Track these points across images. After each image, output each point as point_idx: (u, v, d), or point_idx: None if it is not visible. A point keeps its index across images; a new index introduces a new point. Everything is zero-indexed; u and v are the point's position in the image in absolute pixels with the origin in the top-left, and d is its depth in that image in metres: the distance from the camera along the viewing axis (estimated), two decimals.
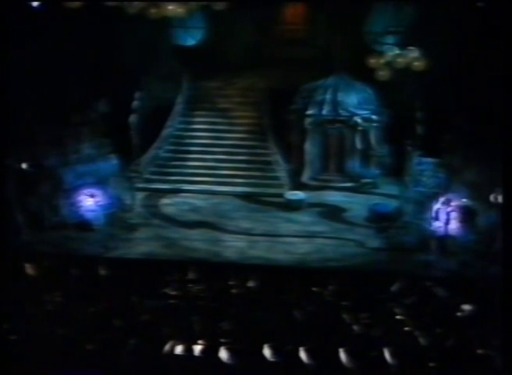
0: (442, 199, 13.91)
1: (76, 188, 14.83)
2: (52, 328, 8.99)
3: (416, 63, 14.18)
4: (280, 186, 16.86)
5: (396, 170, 16.12)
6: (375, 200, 16.12)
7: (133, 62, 16.99)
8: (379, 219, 15.02)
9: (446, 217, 13.66)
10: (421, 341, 8.93)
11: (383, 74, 14.54)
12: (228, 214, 15.77)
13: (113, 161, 15.62)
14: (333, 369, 8.12)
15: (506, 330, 8.04)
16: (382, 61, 14.52)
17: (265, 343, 8.35)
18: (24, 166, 13.79)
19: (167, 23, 16.13)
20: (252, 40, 18.79)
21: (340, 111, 17.17)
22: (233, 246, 14.10)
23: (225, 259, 13.50)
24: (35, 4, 13.43)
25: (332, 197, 16.62)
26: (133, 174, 16.49)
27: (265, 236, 14.59)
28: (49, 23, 14.04)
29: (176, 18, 14.67)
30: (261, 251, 13.88)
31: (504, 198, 9.76)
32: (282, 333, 9.06)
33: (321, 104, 17.29)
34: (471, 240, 13.44)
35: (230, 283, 10.99)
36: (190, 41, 18.37)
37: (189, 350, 8.49)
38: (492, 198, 12.91)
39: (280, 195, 16.33)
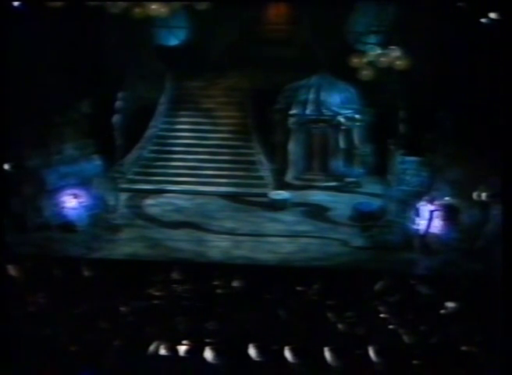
0: (425, 198, 13.96)
1: (59, 189, 14.72)
2: (36, 330, 8.91)
3: (398, 62, 14.22)
4: (264, 186, 16.84)
5: (380, 169, 16.18)
6: (359, 199, 16.16)
7: (116, 62, 16.89)
8: (363, 218, 15.05)
9: (429, 215, 13.71)
10: (406, 338, 8.94)
11: (366, 73, 14.57)
12: (212, 214, 15.73)
13: (96, 161, 15.52)
14: (318, 368, 8.11)
15: (491, 326, 8.07)
16: (364, 60, 14.55)
17: (250, 343, 8.32)
18: (6, 167, 13.65)
19: (150, 22, 16.07)
20: (235, 39, 18.75)
21: (323, 110, 17.20)
22: (218, 246, 14.08)
23: (209, 259, 13.48)
24: (16, 3, 13.29)
25: (316, 196, 16.62)
26: (117, 175, 16.41)
27: (250, 236, 14.58)
28: (31, 23, 13.92)
29: (159, 18, 14.61)
30: (245, 250, 13.87)
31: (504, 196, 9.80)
32: (267, 332, 9.04)
33: (304, 103, 17.31)
34: (454, 238, 13.50)
35: (215, 283, 10.95)
36: (174, 41, 18.28)
37: (174, 350, 8.44)
38: (475, 195, 12.96)
39: (264, 195, 16.31)
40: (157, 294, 10.64)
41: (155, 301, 10.40)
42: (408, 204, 14.19)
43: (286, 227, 15.05)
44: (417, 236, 13.71)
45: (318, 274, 11.39)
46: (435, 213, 13.68)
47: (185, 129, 18.17)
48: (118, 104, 15.36)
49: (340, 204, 16.10)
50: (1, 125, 13.38)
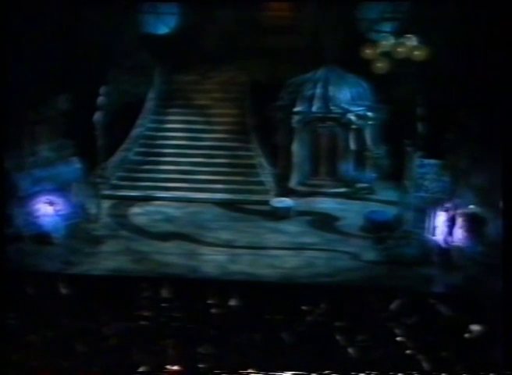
0: (446, 206, 13.96)
1: (33, 195, 14.71)
2: (5, 354, 8.90)
3: (416, 53, 14.27)
4: (265, 192, 16.89)
5: (395, 173, 16.17)
6: (372, 207, 16.20)
7: (98, 53, 16.93)
8: (376, 229, 15.07)
9: (450, 226, 13.71)
10: (425, 365, 8.95)
11: (380, 66, 14.63)
12: (206, 224, 15.74)
13: (76, 164, 15.52)
14: None
15: None
16: (377, 51, 14.61)
17: (249, 368, 8.33)
18: None
19: (136, 8, 16.11)
20: (232, 28, 18.79)
21: (332, 107, 17.25)
22: (213, 260, 14.07)
23: (203, 275, 13.47)
24: None
25: (324, 204, 16.67)
26: (99, 180, 16.40)
27: (248, 248, 14.58)
28: (4, 11, 13.95)
29: (146, 2, 14.65)
30: (243, 265, 13.86)
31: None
32: (269, 357, 9.05)
33: (310, 100, 17.36)
34: (479, 252, 13.48)
35: (209, 301, 10.98)
36: (163, 29, 18.35)
37: None
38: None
39: (265, 203, 16.36)
40: (144, 314, 10.66)
41: (142, 322, 10.41)
42: (427, 213, 14.20)
43: (290, 239, 15.06)
44: (437, 249, 13.71)
45: (325, 292, 11.41)
46: (458, 223, 13.68)
47: (176, 128, 18.22)
48: (100, 99, 15.37)
49: (350, 213, 16.13)
50: None
